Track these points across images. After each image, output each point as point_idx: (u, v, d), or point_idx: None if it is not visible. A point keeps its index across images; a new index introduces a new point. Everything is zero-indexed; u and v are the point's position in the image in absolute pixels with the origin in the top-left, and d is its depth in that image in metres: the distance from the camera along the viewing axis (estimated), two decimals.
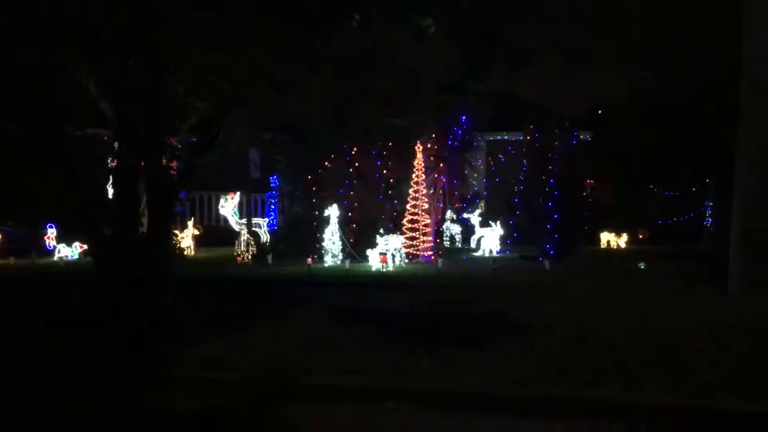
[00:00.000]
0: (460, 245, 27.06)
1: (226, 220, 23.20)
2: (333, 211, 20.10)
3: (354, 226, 22.22)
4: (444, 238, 26.99)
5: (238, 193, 22.72)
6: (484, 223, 24.75)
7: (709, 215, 28.97)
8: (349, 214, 22.33)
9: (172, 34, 10.79)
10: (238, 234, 21.31)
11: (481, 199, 30.45)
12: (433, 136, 23.97)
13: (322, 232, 20.54)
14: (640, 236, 29.63)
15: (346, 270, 17.80)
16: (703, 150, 25.63)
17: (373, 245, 19.46)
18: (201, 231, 24.26)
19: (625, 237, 27.74)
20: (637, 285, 15.37)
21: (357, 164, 22.91)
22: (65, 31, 10.42)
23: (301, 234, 22.56)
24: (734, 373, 8.00)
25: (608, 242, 27.79)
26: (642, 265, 18.56)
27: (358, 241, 21.59)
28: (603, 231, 27.94)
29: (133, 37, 10.56)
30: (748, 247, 13.85)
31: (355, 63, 11.63)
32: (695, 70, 25.30)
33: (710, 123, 23.67)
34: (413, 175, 21.64)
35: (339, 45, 11.01)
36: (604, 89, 31.48)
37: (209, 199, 28.00)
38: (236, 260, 20.63)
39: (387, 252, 19.03)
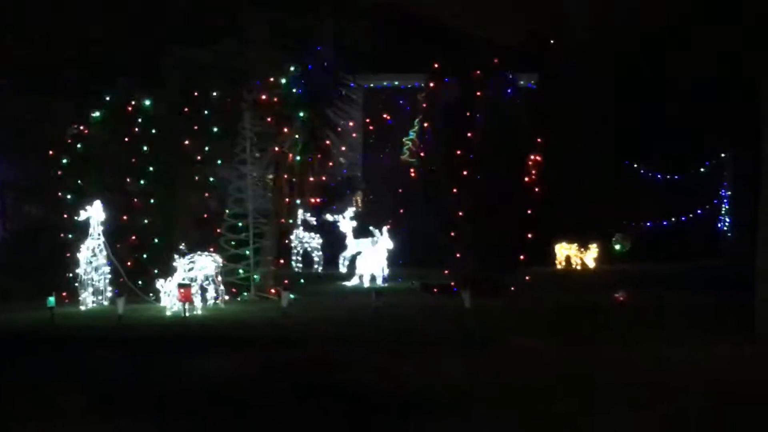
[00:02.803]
0: (320, 268, 27.04)
1: None
2: (95, 213, 19.90)
3: (134, 238, 22.16)
4: (294, 257, 26.91)
5: None
6: (362, 231, 24.95)
7: (726, 210, 30.45)
8: (125, 217, 22.12)
9: None
10: None
11: (355, 189, 30.50)
12: (272, 80, 23.76)
13: (77, 249, 20.29)
14: (618, 248, 30.71)
15: (120, 316, 17.59)
16: (720, 100, 26.36)
17: (169, 272, 19.43)
18: None
19: (594, 250, 28.68)
20: (614, 331, 15.74)
21: (136, 130, 22.58)
22: None
23: (37, 254, 22.40)
24: None
25: (568, 259, 28.64)
26: (621, 296, 19.19)
27: (140, 265, 21.52)
28: (559, 242, 28.72)
29: None
30: None
31: None
32: None
33: (732, 53, 24.18)
34: (237, 148, 21.48)
35: None
36: (558, 4, 32.25)
37: None
38: None
39: (193, 283, 19.03)
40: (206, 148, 22.98)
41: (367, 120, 31.64)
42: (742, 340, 14.53)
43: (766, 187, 15.02)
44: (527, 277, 22.59)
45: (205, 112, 22.96)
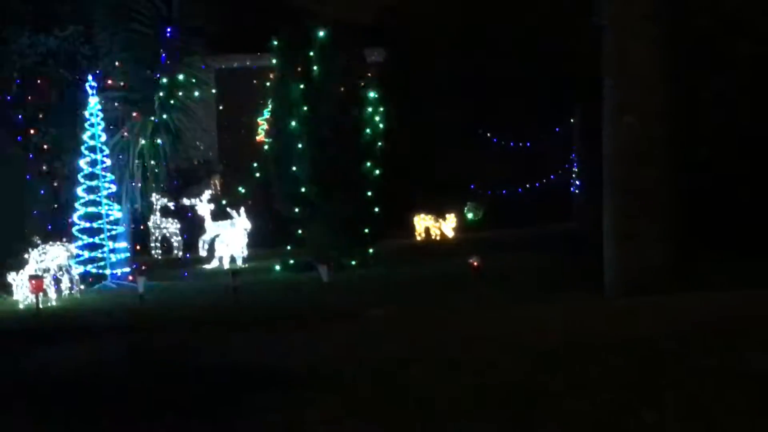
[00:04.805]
0: (179, 253, 26.87)
1: None
2: None
3: None
4: (152, 243, 26.67)
5: None
6: (221, 214, 24.94)
7: (575, 173, 31.37)
8: None
9: None
10: None
11: (213, 172, 30.39)
12: (117, 64, 23.40)
13: None
14: (470, 216, 31.45)
15: None
16: (565, 65, 27.14)
17: (19, 264, 19.16)
18: None
19: (452, 220, 29.26)
20: (467, 294, 16.29)
21: None
22: None
23: None
24: None
25: (427, 230, 29.15)
26: (475, 262, 19.78)
27: None
28: (417, 214, 29.23)
29: None
30: (620, 221, 14.88)
31: None
32: None
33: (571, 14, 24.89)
34: (85, 135, 21.18)
35: None
36: None
37: None
38: None
39: (46, 274, 18.80)
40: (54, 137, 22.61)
41: (221, 102, 31.48)
42: (592, 297, 14.94)
43: (607, 150, 15.38)
44: (378, 250, 23.08)
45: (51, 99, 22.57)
